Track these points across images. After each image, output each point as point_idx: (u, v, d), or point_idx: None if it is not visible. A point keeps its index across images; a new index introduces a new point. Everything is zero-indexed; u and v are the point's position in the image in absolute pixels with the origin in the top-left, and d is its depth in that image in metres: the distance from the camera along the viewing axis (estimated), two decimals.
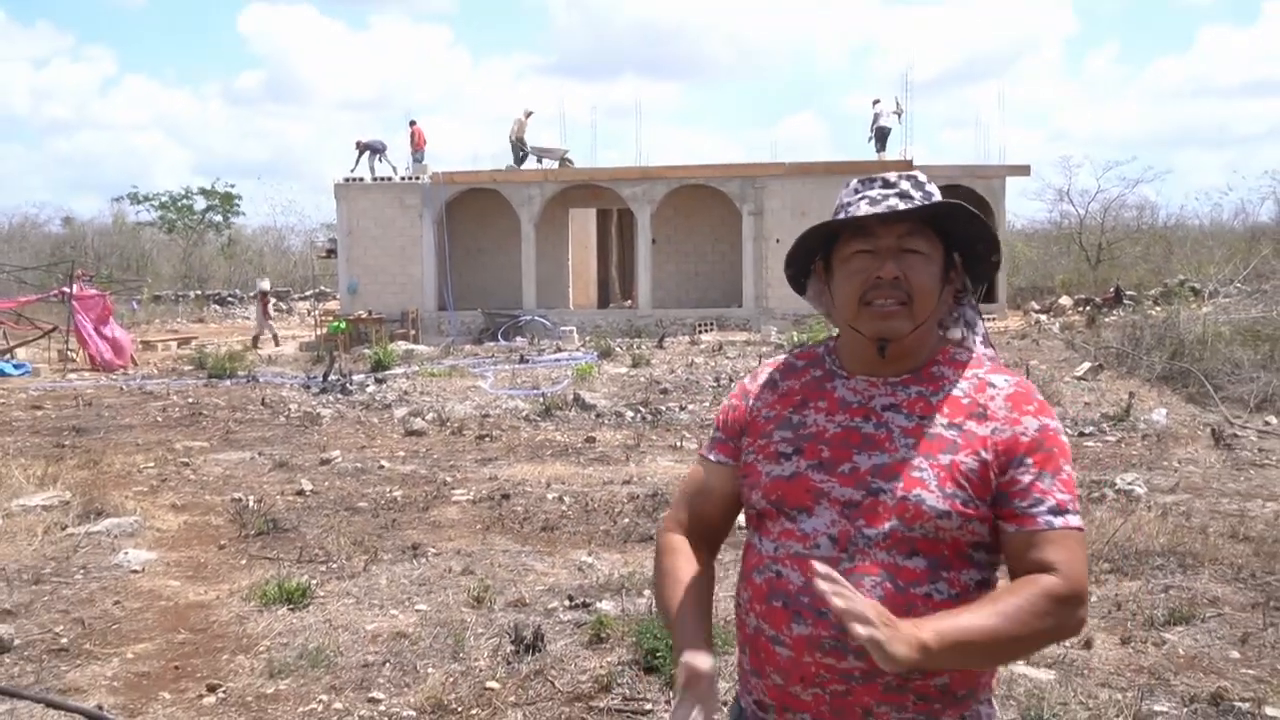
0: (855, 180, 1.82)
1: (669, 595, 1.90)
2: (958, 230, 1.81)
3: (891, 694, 1.69)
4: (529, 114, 27.11)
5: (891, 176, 1.78)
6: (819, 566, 1.55)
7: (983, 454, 1.71)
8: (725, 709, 1.93)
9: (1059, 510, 1.69)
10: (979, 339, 1.91)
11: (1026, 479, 1.70)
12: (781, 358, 2.01)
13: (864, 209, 1.75)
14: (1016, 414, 1.74)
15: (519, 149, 26.69)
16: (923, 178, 1.79)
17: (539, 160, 26.90)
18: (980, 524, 1.71)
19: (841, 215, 1.78)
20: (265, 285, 25.58)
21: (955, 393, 1.78)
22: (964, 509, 1.69)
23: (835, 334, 1.93)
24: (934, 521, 1.69)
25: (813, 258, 1.89)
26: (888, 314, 1.75)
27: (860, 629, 1.48)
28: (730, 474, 1.92)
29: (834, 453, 1.77)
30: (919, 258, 1.76)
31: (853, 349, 1.85)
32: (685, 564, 1.92)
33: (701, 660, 1.76)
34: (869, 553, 1.71)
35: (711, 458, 1.97)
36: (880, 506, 1.71)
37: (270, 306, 25.91)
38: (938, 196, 1.76)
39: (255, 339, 24.29)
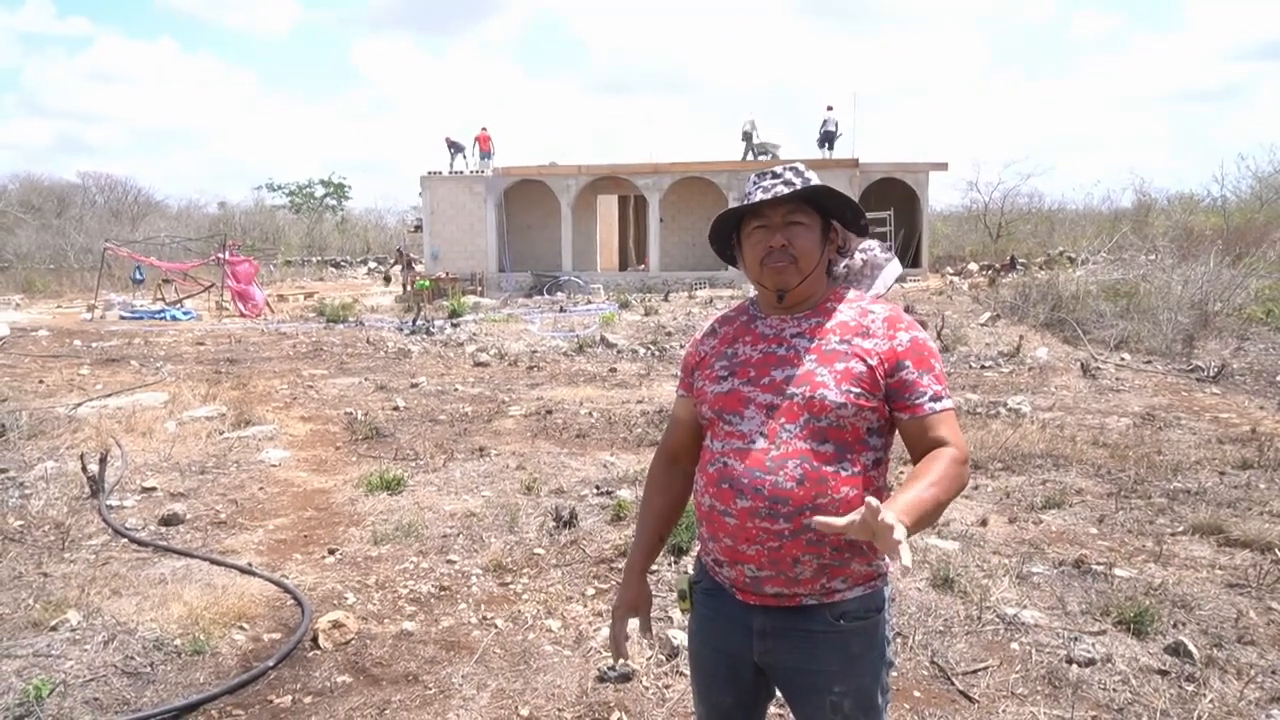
0: (754, 174, 1.85)
1: (640, 514, 2.04)
2: (829, 204, 1.84)
3: (812, 546, 1.71)
4: (753, 116, 25.79)
5: (779, 169, 1.82)
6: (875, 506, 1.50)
7: (869, 361, 1.74)
8: (691, 565, 1.96)
9: (936, 398, 1.74)
10: (881, 285, 1.93)
11: (910, 378, 1.74)
12: (721, 312, 2.04)
13: (758, 196, 1.79)
14: (893, 331, 1.77)
15: (748, 143, 25.43)
16: (802, 168, 1.81)
17: (764, 152, 25.36)
18: (871, 413, 1.74)
19: (744, 202, 1.82)
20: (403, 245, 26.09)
21: (844, 318, 1.81)
22: (857, 401, 1.72)
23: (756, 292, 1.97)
24: (835, 412, 1.71)
25: (731, 236, 1.93)
26: (780, 271, 1.80)
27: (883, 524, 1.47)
28: (689, 403, 1.96)
29: (757, 371, 1.81)
30: (801, 228, 1.80)
31: (763, 298, 1.90)
32: (653, 496, 2.03)
33: (630, 590, 1.97)
34: (791, 443, 1.72)
35: (679, 393, 2.02)
36: (794, 406, 1.74)
37: (409, 260, 25.80)
38: (815, 182, 1.79)
39: (404, 285, 24.31)
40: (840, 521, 1.50)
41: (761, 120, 25.81)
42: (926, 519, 1.60)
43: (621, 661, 1.79)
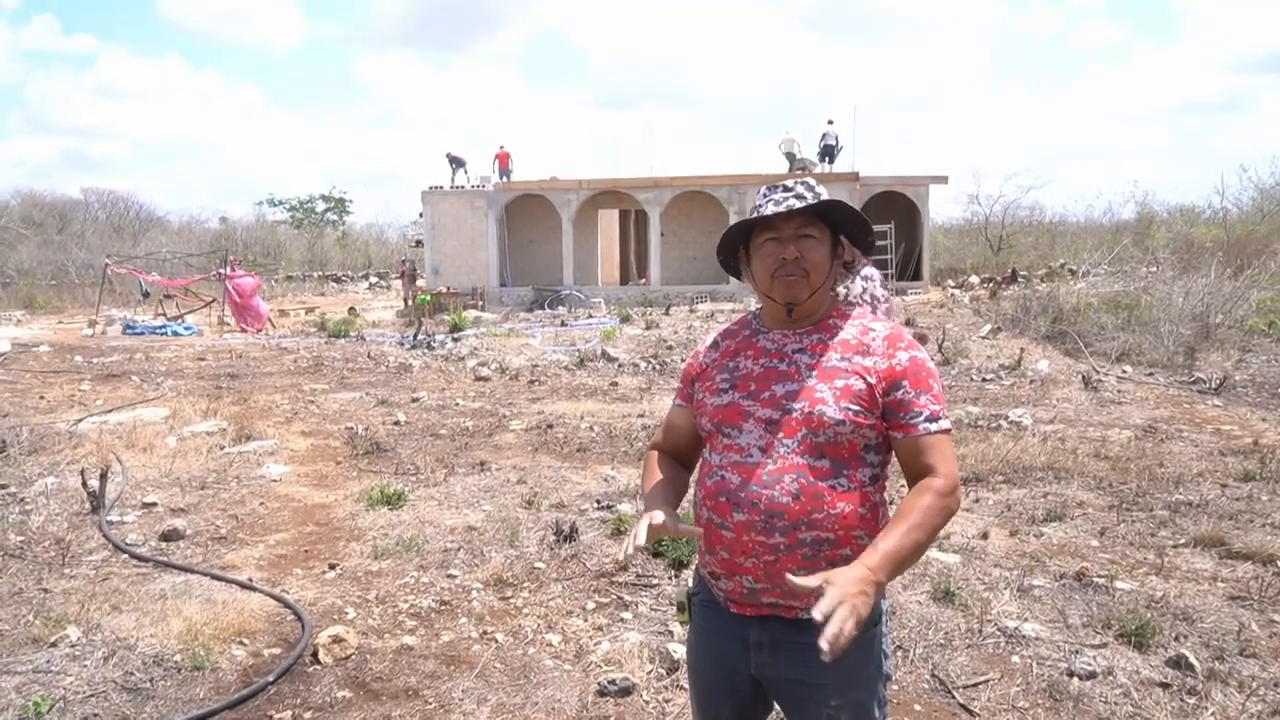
0: (765, 187, 1.87)
1: (646, 486, 1.97)
2: (840, 219, 1.86)
3: (807, 561, 1.72)
4: (793, 135, 25.86)
5: (790, 183, 1.83)
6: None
7: (868, 379, 1.74)
8: (690, 578, 1.96)
9: (932, 418, 1.74)
10: (881, 309, 1.93)
11: (907, 398, 1.74)
12: (724, 325, 2.04)
13: (770, 209, 1.80)
14: (892, 350, 1.78)
15: (791, 160, 25.60)
16: (813, 182, 1.83)
17: (803, 168, 25.37)
18: (869, 430, 1.74)
19: (754, 214, 1.83)
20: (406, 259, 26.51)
21: (845, 336, 1.81)
22: (855, 418, 1.72)
23: (760, 305, 1.97)
24: (833, 428, 1.72)
25: (738, 247, 1.94)
26: (791, 285, 1.81)
27: (831, 616, 1.46)
28: (688, 413, 1.97)
29: (758, 385, 1.81)
30: (812, 241, 1.81)
31: (770, 311, 1.90)
32: (660, 467, 1.99)
33: (656, 513, 1.78)
34: (788, 457, 1.73)
35: (677, 403, 2.03)
36: (793, 421, 1.74)
37: (409, 274, 25.96)
38: (826, 197, 1.80)
39: (405, 299, 24.53)
40: (809, 583, 1.52)
41: (799, 136, 25.44)
42: (905, 564, 1.64)
43: (630, 552, 1.74)
